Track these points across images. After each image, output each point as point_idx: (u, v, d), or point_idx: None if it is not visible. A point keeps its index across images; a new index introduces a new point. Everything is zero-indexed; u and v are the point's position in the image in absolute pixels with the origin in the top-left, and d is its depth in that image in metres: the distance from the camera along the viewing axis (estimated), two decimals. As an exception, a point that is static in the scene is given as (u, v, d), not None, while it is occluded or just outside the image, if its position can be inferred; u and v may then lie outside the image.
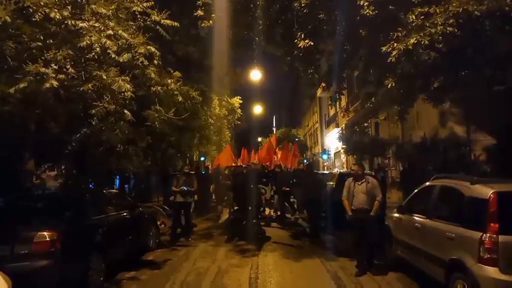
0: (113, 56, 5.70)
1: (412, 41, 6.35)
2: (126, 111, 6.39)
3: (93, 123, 6.76)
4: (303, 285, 6.37)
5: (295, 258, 7.92)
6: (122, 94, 6.04)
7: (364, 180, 6.73)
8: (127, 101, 6.29)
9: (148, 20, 6.70)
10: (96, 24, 5.57)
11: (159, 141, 10.65)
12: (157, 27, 6.83)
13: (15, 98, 5.37)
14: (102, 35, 5.56)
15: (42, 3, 5.18)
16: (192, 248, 9.09)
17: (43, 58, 5.30)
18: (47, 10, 5.18)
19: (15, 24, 5.20)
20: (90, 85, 5.65)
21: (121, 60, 5.92)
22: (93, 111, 6.08)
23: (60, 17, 5.26)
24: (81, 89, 5.68)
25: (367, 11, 6.90)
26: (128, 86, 5.92)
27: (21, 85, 5.07)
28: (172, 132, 10.41)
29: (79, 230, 6.08)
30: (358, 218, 6.64)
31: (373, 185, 6.70)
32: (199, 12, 8.55)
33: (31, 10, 5.16)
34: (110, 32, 5.68)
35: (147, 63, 6.36)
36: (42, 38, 5.39)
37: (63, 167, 10.41)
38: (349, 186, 6.80)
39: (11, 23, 4.94)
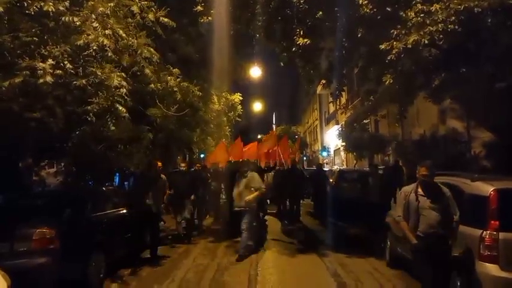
0: (110, 54, 5.65)
1: (411, 39, 6.30)
2: (120, 107, 6.31)
3: (89, 119, 6.71)
4: (303, 283, 6.36)
5: (293, 255, 7.93)
6: (118, 90, 6.00)
7: (438, 192, 4.47)
8: (123, 98, 6.24)
9: (146, 17, 6.66)
10: (95, 24, 5.52)
11: (160, 137, 10.59)
12: (156, 26, 6.78)
13: (13, 91, 5.32)
14: (100, 33, 5.52)
15: None
16: (192, 245, 9.10)
17: (39, 53, 5.26)
18: (42, 3, 5.13)
19: (14, 21, 5.16)
20: (83, 80, 5.61)
21: (125, 64, 5.89)
22: (89, 107, 6.05)
23: (54, 10, 5.21)
24: (77, 83, 5.64)
25: (366, 10, 6.87)
26: (124, 82, 5.88)
27: (17, 80, 5.03)
28: (173, 128, 10.35)
29: (79, 227, 6.06)
30: (430, 249, 4.34)
31: (450, 197, 4.47)
32: (199, 8, 8.54)
33: (26, 4, 5.11)
34: (108, 31, 5.62)
35: (146, 64, 6.34)
36: (39, 32, 5.35)
37: (62, 164, 10.39)
38: (409, 200, 4.51)
39: (7, 16, 4.89)
